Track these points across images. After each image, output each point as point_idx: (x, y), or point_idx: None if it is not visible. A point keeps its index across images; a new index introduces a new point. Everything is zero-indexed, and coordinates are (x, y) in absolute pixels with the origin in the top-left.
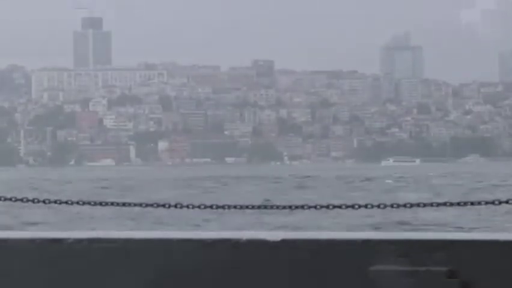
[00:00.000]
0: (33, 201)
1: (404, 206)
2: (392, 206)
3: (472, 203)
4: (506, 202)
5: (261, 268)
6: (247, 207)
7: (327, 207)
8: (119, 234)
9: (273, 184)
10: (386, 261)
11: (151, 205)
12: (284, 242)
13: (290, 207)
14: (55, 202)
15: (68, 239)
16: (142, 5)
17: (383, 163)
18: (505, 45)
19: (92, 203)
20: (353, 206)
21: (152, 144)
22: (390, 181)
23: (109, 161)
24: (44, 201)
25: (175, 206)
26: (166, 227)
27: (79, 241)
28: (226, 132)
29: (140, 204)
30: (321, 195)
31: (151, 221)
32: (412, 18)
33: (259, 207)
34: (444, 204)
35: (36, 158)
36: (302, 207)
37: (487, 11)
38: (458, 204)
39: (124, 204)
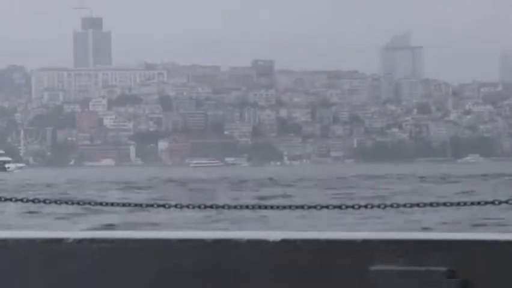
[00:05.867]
0: (33, 201)
1: (404, 206)
2: (392, 206)
3: (472, 203)
4: (506, 202)
5: (261, 268)
6: (246, 207)
7: (327, 207)
8: (119, 234)
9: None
10: (386, 261)
11: (151, 205)
12: (284, 242)
13: (290, 207)
14: (55, 202)
15: (68, 239)
16: (141, 5)
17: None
18: (505, 45)
19: (93, 203)
20: (353, 206)
21: (152, 144)
22: None
23: (109, 161)
24: (44, 201)
25: (175, 206)
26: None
27: (79, 241)
28: (226, 132)
29: (141, 205)
30: None
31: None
32: (412, 18)
33: (259, 207)
34: (444, 204)
35: (36, 158)
36: (302, 207)
37: (487, 11)
38: (458, 204)
39: (124, 205)
